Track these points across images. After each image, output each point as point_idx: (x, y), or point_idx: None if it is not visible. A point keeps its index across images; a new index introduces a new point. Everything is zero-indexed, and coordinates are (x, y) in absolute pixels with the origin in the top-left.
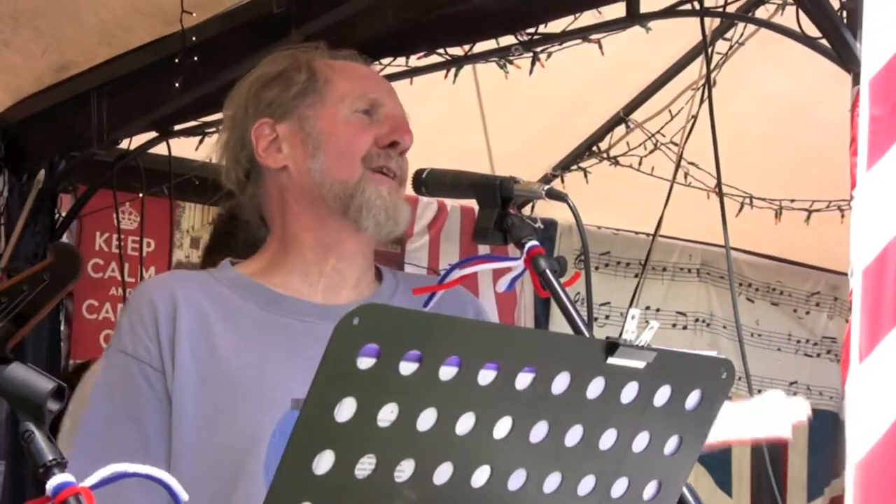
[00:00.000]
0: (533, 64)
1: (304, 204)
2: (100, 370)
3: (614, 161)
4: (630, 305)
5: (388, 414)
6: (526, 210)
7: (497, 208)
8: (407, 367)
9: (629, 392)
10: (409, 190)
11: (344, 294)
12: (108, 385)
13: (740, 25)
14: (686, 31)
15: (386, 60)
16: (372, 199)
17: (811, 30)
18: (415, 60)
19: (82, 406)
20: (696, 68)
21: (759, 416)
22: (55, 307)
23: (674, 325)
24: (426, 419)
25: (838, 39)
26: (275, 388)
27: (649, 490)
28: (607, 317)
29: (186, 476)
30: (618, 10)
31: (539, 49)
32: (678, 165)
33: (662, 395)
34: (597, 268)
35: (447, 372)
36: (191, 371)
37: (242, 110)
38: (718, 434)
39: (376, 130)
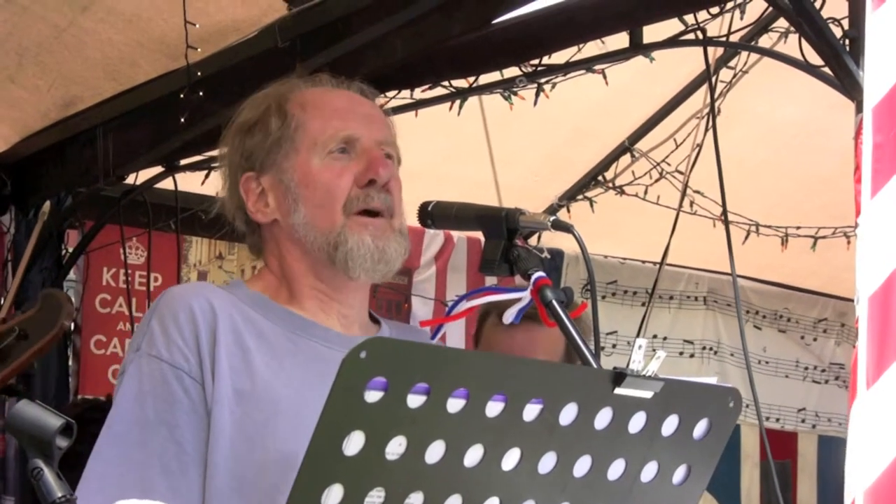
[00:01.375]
0: (538, 95)
1: (297, 255)
2: (126, 375)
3: (620, 190)
4: (637, 334)
5: (396, 447)
6: (532, 240)
7: (503, 240)
8: (415, 400)
9: (637, 422)
10: (414, 222)
11: (356, 328)
12: (139, 390)
13: (744, 54)
14: (689, 60)
15: (391, 93)
16: (355, 249)
17: (814, 58)
18: (420, 92)
19: None
20: (700, 97)
21: None
22: (62, 342)
23: (681, 354)
24: (434, 452)
25: (841, 68)
26: (310, 409)
27: None
28: (614, 346)
29: (222, 490)
30: (621, 41)
31: (543, 80)
32: (684, 194)
33: (670, 425)
34: (604, 297)
35: (455, 404)
36: (228, 384)
37: (231, 160)
38: None
39: (354, 168)
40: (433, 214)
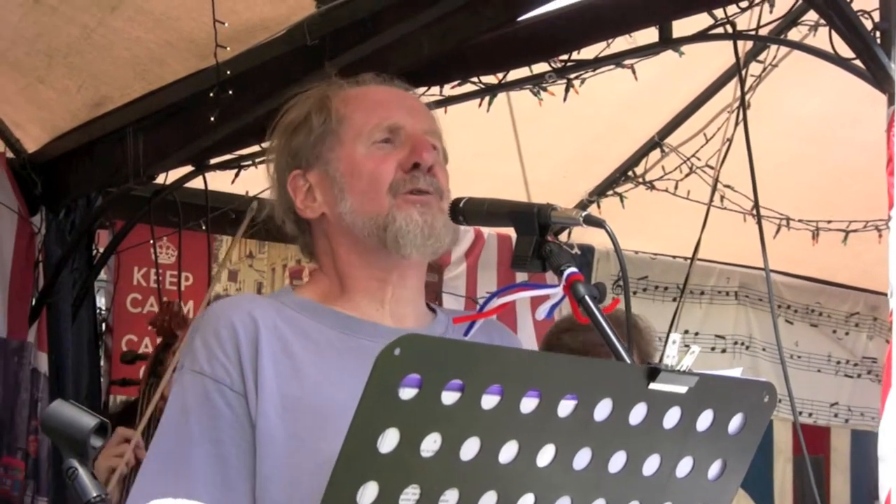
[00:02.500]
0: (567, 90)
1: (347, 245)
2: (172, 393)
3: (650, 185)
4: (669, 330)
5: (431, 444)
6: (562, 236)
7: (535, 236)
8: (449, 397)
9: (671, 417)
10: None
11: (409, 320)
12: (183, 406)
13: (773, 47)
14: (719, 54)
15: (420, 90)
16: (404, 226)
17: (844, 51)
18: (449, 89)
19: None
20: (730, 91)
21: None
22: (95, 342)
23: (713, 349)
24: (469, 448)
25: (872, 60)
26: None
27: None
28: None
29: (278, 499)
30: (650, 35)
31: (573, 75)
32: (714, 188)
33: (705, 420)
34: (635, 293)
35: (489, 401)
36: (275, 393)
37: (278, 163)
38: None
39: (398, 156)
40: (464, 210)
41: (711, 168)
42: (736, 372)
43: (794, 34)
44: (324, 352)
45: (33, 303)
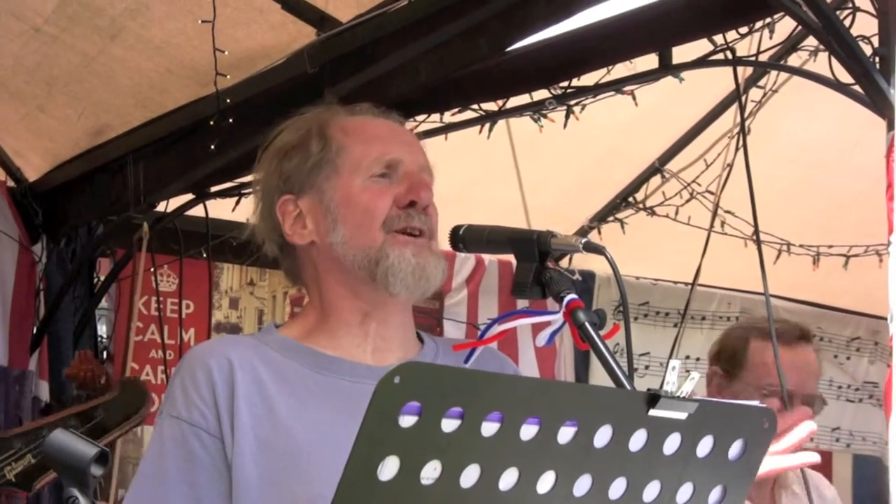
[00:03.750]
0: (567, 117)
1: (335, 275)
2: (152, 438)
3: (651, 211)
4: (670, 355)
5: (431, 471)
6: (563, 262)
7: (535, 262)
8: (449, 424)
9: (672, 443)
10: (446, 245)
11: (391, 357)
12: (160, 450)
13: (773, 73)
14: (719, 80)
15: (420, 117)
16: (396, 263)
17: (844, 76)
18: (449, 116)
19: None
20: (730, 117)
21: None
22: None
23: None
24: (469, 475)
25: (871, 85)
26: (337, 449)
27: None
28: (647, 367)
29: None
30: (650, 62)
31: (573, 102)
32: (715, 214)
33: (705, 446)
34: (636, 318)
35: (489, 428)
36: (250, 435)
37: (268, 183)
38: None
39: (395, 191)
40: (465, 238)
41: (712, 194)
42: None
43: (793, 60)
44: (298, 392)
45: (34, 331)
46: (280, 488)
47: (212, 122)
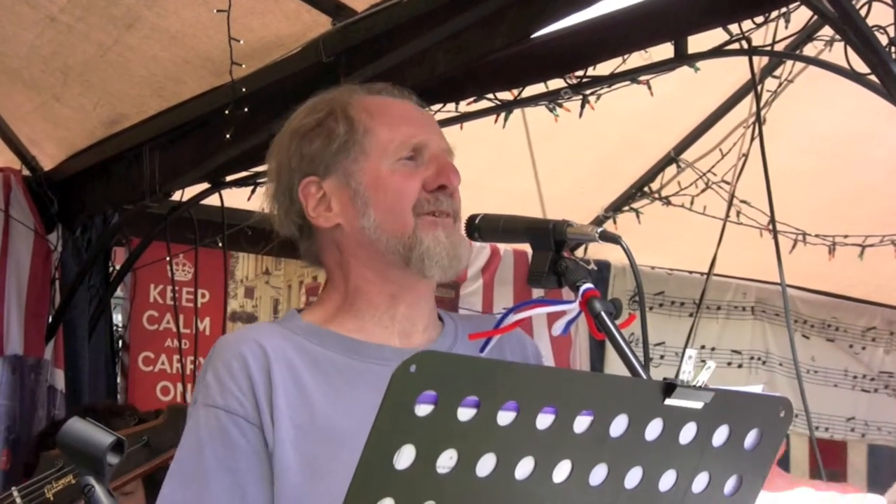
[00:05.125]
0: (582, 106)
1: (362, 258)
2: (186, 428)
3: (666, 201)
4: (685, 345)
5: (447, 460)
6: (578, 252)
7: (551, 252)
8: (465, 413)
9: (687, 433)
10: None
11: (416, 338)
12: (197, 439)
13: (789, 63)
14: (734, 70)
15: (436, 106)
16: (431, 247)
17: (860, 66)
18: (465, 106)
19: None
20: (745, 106)
21: None
22: (112, 359)
23: (729, 364)
24: (486, 465)
25: (887, 75)
26: None
27: None
28: (662, 357)
29: None
30: (666, 51)
31: (588, 91)
32: (730, 204)
33: (721, 435)
34: (651, 308)
35: (505, 417)
36: (289, 424)
37: (286, 165)
38: None
39: (423, 174)
40: (480, 227)
41: (727, 183)
42: (757, 388)
43: (809, 49)
44: (332, 379)
45: (50, 320)
46: (321, 475)
47: (227, 112)
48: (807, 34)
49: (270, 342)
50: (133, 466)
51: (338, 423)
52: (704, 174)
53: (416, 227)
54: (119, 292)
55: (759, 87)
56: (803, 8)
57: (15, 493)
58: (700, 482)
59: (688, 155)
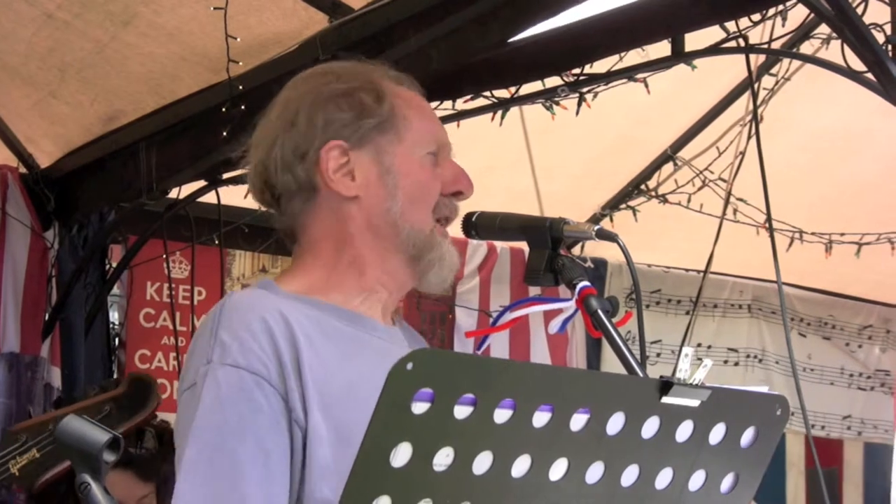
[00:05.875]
0: (579, 104)
1: (367, 238)
2: (203, 388)
3: (663, 199)
4: (682, 343)
5: (443, 458)
6: (575, 250)
7: (547, 250)
8: (461, 411)
9: (684, 431)
10: (458, 232)
11: (387, 320)
12: (218, 399)
13: (785, 61)
14: (731, 68)
15: (433, 104)
16: (445, 258)
17: (857, 64)
18: (461, 103)
19: None
20: (742, 104)
21: None
22: (108, 357)
23: (725, 362)
24: (482, 462)
25: (884, 73)
26: None
27: None
28: (658, 354)
29: (331, 497)
30: (663, 49)
31: (585, 89)
32: (727, 202)
33: (717, 433)
34: (648, 306)
35: (502, 415)
36: (315, 390)
37: (307, 121)
38: None
39: (442, 176)
40: (477, 225)
41: (724, 181)
42: (763, 388)
43: (806, 47)
44: (343, 347)
45: (46, 317)
46: (350, 443)
47: (224, 109)
48: (803, 32)
49: (284, 306)
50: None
51: (356, 391)
52: (701, 172)
53: (433, 230)
54: (115, 290)
55: (755, 85)
56: (800, 6)
57: None
58: (697, 480)
59: (684, 153)
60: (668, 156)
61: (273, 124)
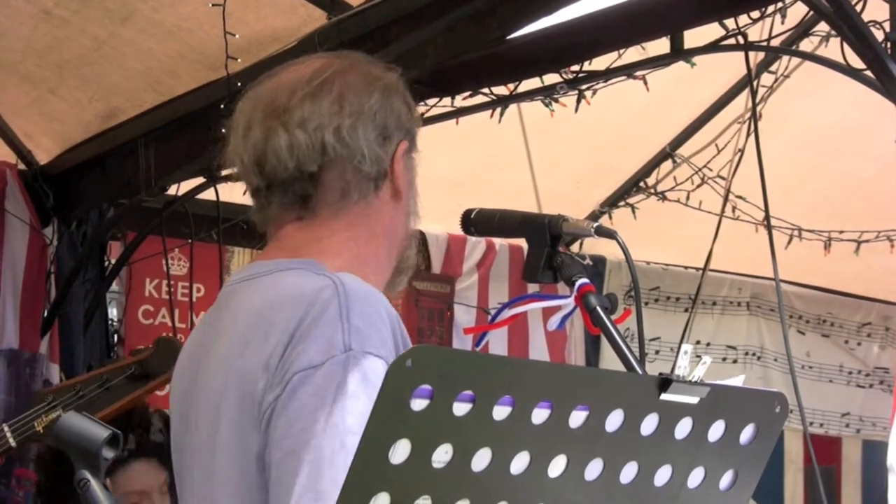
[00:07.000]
0: (578, 101)
1: (382, 240)
2: (344, 375)
3: (662, 196)
4: (680, 340)
5: (442, 455)
6: (574, 247)
7: (546, 247)
8: (460, 408)
9: (683, 428)
10: (457, 230)
11: None
12: (366, 396)
13: (785, 58)
14: (730, 65)
15: (432, 101)
16: (413, 265)
17: (855, 61)
18: (460, 100)
19: None
20: (741, 102)
21: None
22: (107, 353)
23: (724, 359)
24: (481, 459)
25: (883, 70)
26: None
27: None
28: (657, 352)
29: None
30: (662, 46)
31: (584, 86)
32: (726, 199)
33: (716, 430)
34: (647, 303)
35: (501, 412)
36: None
37: (388, 110)
38: None
39: None
40: (476, 222)
41: (723, 179)
42: (738, 381)
43: (805, 45)
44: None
45: (45, 314)
46: None
47: (222, 106)
48: (803, 30)
49: None
50: (123, 397)
51: None
52: (700, 169)
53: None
54: (114, 287)
55: (755, 83)
56: (799, 3)
57: (5, 428)
58: (696, 477)
59: (684, 150)
60: (667, 153)
61: (326, 105)
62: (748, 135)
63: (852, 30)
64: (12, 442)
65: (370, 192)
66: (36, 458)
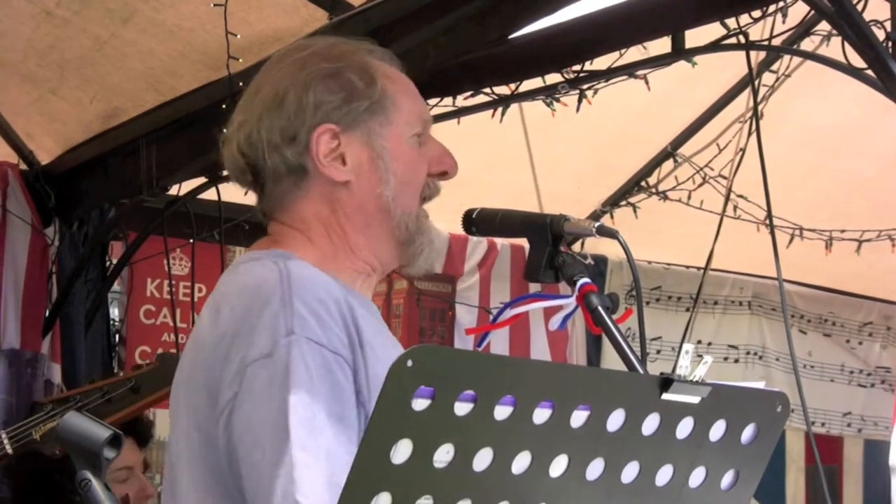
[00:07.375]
0: (580, 101)
1: (357, 223)
2: (288, 359)
3: (663, 196)
4: (682, 340)
5: (443, 455)
6: (576, 247)
7: (548, 246)
8: (462, 408)
9: (684, 427)
10: (458, 229)
11: None
12: (308, 377)
13: (786, 57)
14: (732, 65)
15: (433, 101)
16: (434, 241)
17: (857, 61)
18: (462, 100)
19: None
20: (742, 101)
21: None
22: (108, 353)
23: (725, 359)
24: (482, 459)
25: (884, 70)
26: None
27: None
28: (658, 351)
29: None
30: (663, 46)
31: (585, 86)
32: (727, 198)
33: (718, 430)
34: (648, 303)
35: (502, 412)
36: (372, 372)
37: (297, 102)
38: None
39: (427, 155)
40: (477, 222)
41: (724, 178)
42: (759, 384)
43: (806, 44)
44: (377, 331)
45: (47, 314)
46: None
47: (224, 106)
48: (804, 29)
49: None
50: (122, 409)
51: None
52: (701, 169)
53: (420, 214)
54: (116, 287)
55: (756, 82)
56: (800, 3)
57: (3, 435)
58: (697, 477)
59: (685, 150)
60: (669, 153)
61: (256, 104)
62: (749, 134)
63: (853, 29)
64: (9, 449)
65: (297, 186)
66: (3, 473)
